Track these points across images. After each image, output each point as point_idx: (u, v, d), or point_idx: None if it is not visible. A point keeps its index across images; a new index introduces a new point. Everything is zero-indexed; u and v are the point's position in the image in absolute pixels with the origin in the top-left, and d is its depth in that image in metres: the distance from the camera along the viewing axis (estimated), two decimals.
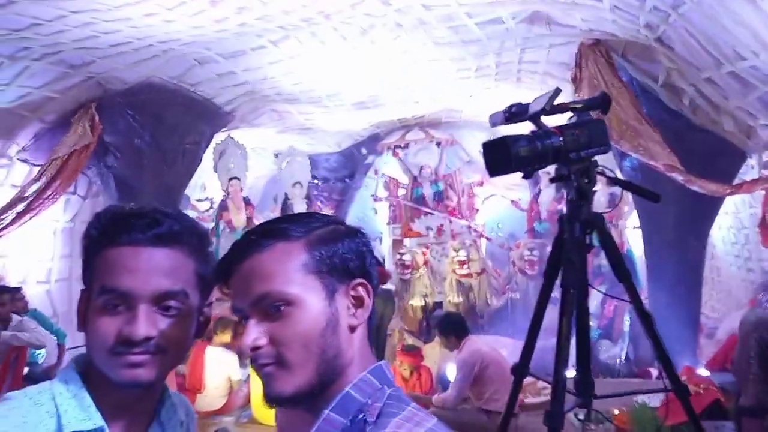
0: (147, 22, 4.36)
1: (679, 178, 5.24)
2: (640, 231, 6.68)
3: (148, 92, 5.75)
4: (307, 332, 0.81)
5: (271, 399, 0.83)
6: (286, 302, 0.81)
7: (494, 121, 1.76)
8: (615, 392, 1.94)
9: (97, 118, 5.72)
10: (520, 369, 1.92)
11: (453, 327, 4.29)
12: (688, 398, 1.78)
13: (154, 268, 0.92)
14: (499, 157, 1.61)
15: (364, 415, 0.80)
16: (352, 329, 0.86)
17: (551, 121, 1.68)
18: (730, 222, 6.67)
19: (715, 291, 7.34)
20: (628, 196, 6.58)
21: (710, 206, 5.63)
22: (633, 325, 5.83)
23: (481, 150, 1.64)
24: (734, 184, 5.35)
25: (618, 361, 5.64)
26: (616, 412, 3.97)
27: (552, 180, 1.73)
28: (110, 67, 5.24)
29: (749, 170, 5.65)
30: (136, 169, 6.27)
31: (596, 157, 1.68)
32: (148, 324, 0.90)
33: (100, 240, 0.94)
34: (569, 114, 1.75)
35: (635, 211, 6.59)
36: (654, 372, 5.49)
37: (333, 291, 0.84)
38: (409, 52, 5.74)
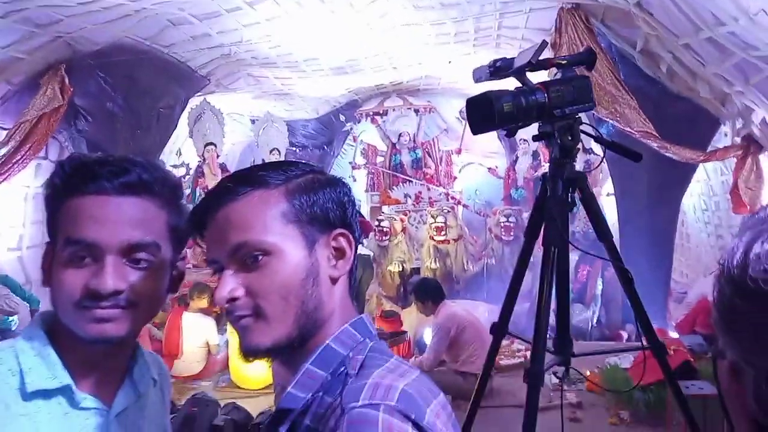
0: None
1: (653, 144, 5.31)
2: (613, 198, 6.80)
3: (120, 54, 5.57)
4: (286, 283, 0.78)
5: (247, 352, 0.80)
6: (264, 252, 0.78)
7: (478, 76, 1.73)
8: (593, 351, 1.98)
9: (66, 80, 5.53)
10: (500, 328, 1.94)
11: (429, 292, 4.33)
12: (665, 356, 1.82)
13: (122, 218, 0.87)
14: (483, 113, 1.58)
15: (345, 368, 0.78)
16: (333, 281, 0.83)
17: (535, 78, 1.67)
18: (701, 189, 6.81)
19: (684, 257, 7.53)
20: (602, 165, 6.66)
21: (683, 173, 5.74)
22: (605, 288, 5.96)
23: (464, 108, 1.62)
24: (708, 151, 5.45)
25: (590, 324, 5.79)
26: (588, 373, 4.08)
27: (535, 138, 1.72)
28: (79, 27, 5.06)
29: (722, 138, 5.75)
30: (108, 133, 6.12)
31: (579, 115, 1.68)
32: (116, 277, 0.86)
33: (64, 189, 0.89)
34: (553, 71, 1.75)
35: (609, 178, 6.69)
36: (624, 335, 5.66)
37: (313, 241, 0.81)
38: (387, 15, 5.65)
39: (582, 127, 1.69)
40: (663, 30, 4.80)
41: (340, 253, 0.84)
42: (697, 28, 4.36)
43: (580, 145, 1.68)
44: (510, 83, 1.66)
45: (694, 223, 7.30)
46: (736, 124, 5.36)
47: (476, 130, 1.64)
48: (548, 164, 1.73)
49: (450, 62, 7.14)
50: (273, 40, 6.03)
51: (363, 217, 3.04)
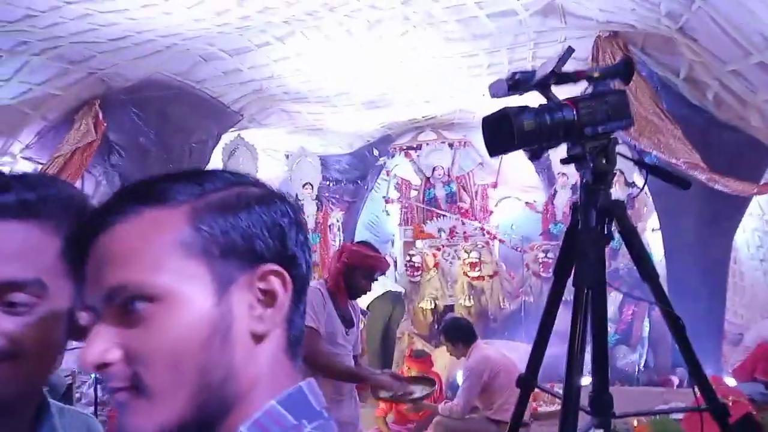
0: (145, 14, 4.23)
1: (701, 176, 5.00)
2: (659, 234, 6.44)
3: (152, 89, 5.64)
4: (179, 344, 0.55)
5: None
6: (149, 298, 0.55)
7: (495, 91, 1.54)
8: (639, 410, 1.70)
9: (100, 115, 5.62)
10: (527, 380, 1.70)
11: (460, 333, 4.08)
12: (727, 420, 1.55)
13: None
14: (501, 132, 1.40)
15: None
16: (258, 338, 0.59)
17: (563, 93, 1.48)
18: (754, 224, 6.39)
19: (738, 297, 7.04)
20: (646, 198, 6.34)
21: (735, 207, 5.38)
22: (652, 330, 5.57)
23: (481, 126, 1.44)
24: (761, 183, 5.10)
25: (637, 368, 5.39)
26: (636, 423, 3.73)
27: (564, 161, 1.50)
28: (111, 63, 5.14)
29: None
30: (141, 168, 6.16)
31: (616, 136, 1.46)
32: None
33: None
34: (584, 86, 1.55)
35: (654, 212, 6.35)
36: (675, 380, 5.24)
37: (228, 282, 0.58)
38: (418, 49, 5.57)
39: (619, 149, 1.48)
40: (708, 56, 4.55)
41: (269, 298, 0.59)
42: (746, 52, 4.10)
43: (621, 177, 1.48)
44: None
45: (748, 261, 6.84)
46: None
47: (493, 151, 1.45)
48: (579, 191, 1.51)
49: (484, 95, 6.97)
50: (303, 74, 6.01)
51: (378, 251, 2.86)
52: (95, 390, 4.64)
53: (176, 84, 5.76)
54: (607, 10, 4.61)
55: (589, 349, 1.49)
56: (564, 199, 7.86)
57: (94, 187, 6.55)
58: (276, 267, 0.60)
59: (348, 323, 2.72)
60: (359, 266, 2.69)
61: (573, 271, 1.51)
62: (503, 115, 1.39)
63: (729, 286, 6.02)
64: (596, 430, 1.47)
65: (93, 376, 4.21)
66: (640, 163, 1.54)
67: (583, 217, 1.48)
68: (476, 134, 8.84)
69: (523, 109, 1.39)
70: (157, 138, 6.07)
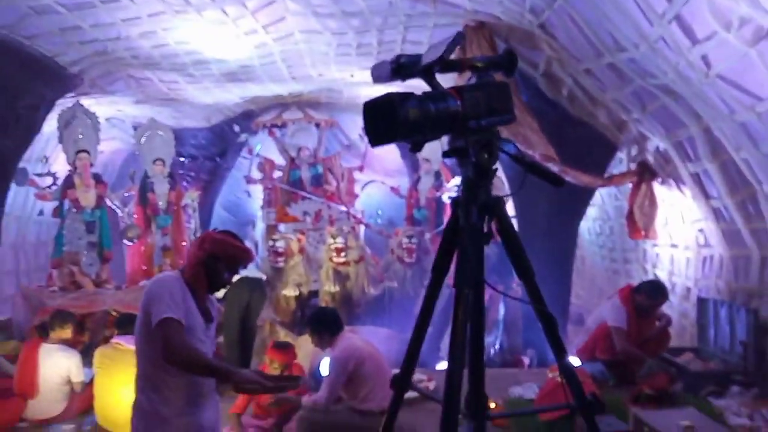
0: None
1: (554, 168, 5.28)
2: (514, 221, 6.78)
3: None
4: None
5: None
6: None
7: (378, 74, 1.40)
8: (512, 411, 1.66)
9: None
10: (401, 381, 1.59)
11: (326, 324, 3.92)
12: (594, 417, 1.56)
13: None
14: (384, 121, 1.26)
15: None
16: None
17: (445, 82, 1.37)
18: (595, 213, 6.96)
19: (580, 279, 7.68)
20: (503, 186, 6.63)
21: (582, 198, 5.78)
22: (507, 313, 5.85)
23: (362, 111, 1.28)
24: (606, 176, 5.51)
25: (492, 350, 5.63)
26: (493, 405, 3.85)
27: (446, 154, 1.40)
28: None
29: (617, 164, 5.86)
30: None
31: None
32: None
33: None
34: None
35: (510, 200, 6.67)
36: (526, 360, 5.55)
37: None
38: (286, 20, 5.27)
39: (501, 144, 1.39)
40: (565, 54, 4.78)
41: None
42: (598, 53, 4.34)
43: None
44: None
45: (589, 246, 7.46)
46: (631, 151, 5.46)
47: (376, 140, 1.29)
48: (460, 186, 1.41)
49: (352, 76, 6.86)
50: (156, 38, 5.44)
51: (242, 242, 2.60)
52: None
53: (0, 37, 4.93)
54: (476, 0, 4.65)
55: None
56: (427, 186, 8.01)
57: None
58: None
59: (207, 317, 2.45)
60: (222, 257, 2.42)
61: (454, 269, 1.41)
62: (387, 101, 1.24)
63: (572, 269, 6.51)
64: None
65: None
66: (518, 160, 1.46)
67: (464, 213, 1.40)
68: (344, 115, 8.74)
69: (408, 96, 1.26)
70: None
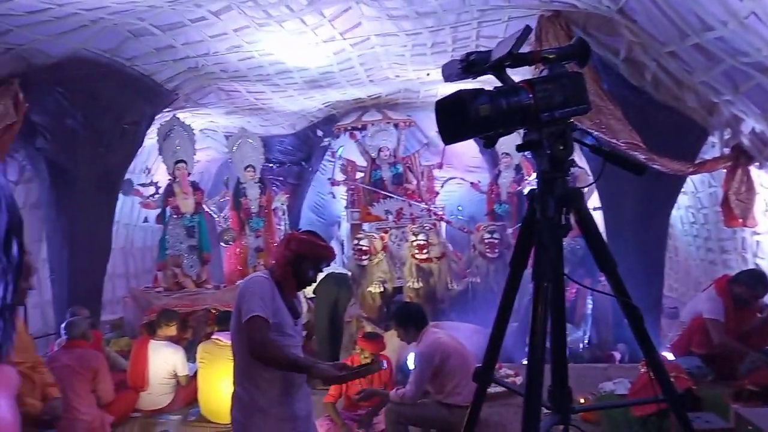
0: None
1: (640, 156, 5.10)
2: (600, 213, 6.58)
3: (78, 67, 5.26)
4: None
5: None
6: None
7: (448, 73, 1.44)
8: (598, 404, 1.66)
9: (21, 95, 5.20)
10: (484, 375, 1.63)
11: (411, 318, 4.02)
12: (686, 412, 1.53)
13: None
14: (455, 118, 1.30)
15: None
16: None
17: (517, 76, 1.40)
18: (688, 201, 6.62)
19: (673, 271, 7.33)
20: (587, 177, 6.45)
21: (672, 186, 5.54)
22: (595, 307, 5.70)
23: (435, 111, 1.34)
24: (696, 162, 5.26)
25: (581, 345, 5.51)
26: (582, 401, 3.80)
27: (520, 147, 1.42)
28: (31, 38, 4.74)
29: (710, 148, 5.57)
30: (69, 151, 5.79)
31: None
32: None
33: None
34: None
35: (595, 191, 6.47)
36: (617, 356, 5.39)
37: None
38: (362, 25, 5.41)
39: (577, 134, 1.41)
40: (647, 37, 4.60)
41: None
42: (683, 34, 4.16)
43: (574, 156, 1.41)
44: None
45: (682, 236, 7.11)
46: (724, 135, 5.17)
47: (448, 138, 1.34)
48: (536, 180, 1.44)
49: (428, 74, 6.92)
50: (242, 52, 5.76)
51: (324, 240, 2.74)
52: None
53: (104, 61, 5.40)
54: None
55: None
56: (508, 180, 7.94)
57: (18, 172, 6.14)
58: None
59: (296, 314, 2.61)
60: (307, 256, 2.57)
61: (532, 263, 1.44)
62: (458, 99, 1.28)
63: (664, 261, 6.24)
64: (556, 428, 1.42)
65: None
66: (596, 150, 1.47)
67: (541, 206, 1.40)
68: (421, 114, 8.81)
69: (479, 92, 1.29)
70: (86, 119, 5.69)
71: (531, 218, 1.46)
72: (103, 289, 6.36)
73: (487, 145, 1.42)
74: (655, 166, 5.10)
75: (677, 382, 3.14)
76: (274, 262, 2.67)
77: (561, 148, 1.38)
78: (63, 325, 4.58)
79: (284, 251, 2.59)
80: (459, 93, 1.28)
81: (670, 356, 4.30)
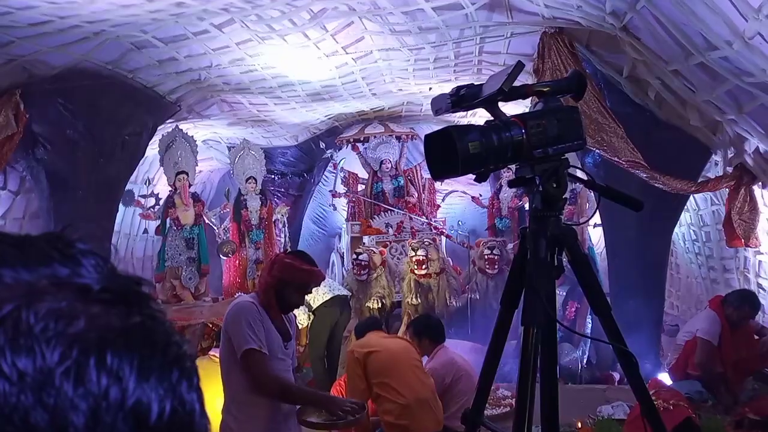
0: None
1: (642, 175, 5.07)
2: (600, 229, 6.53)
3: (80, 78, 5.26)
4: None
5: None
6: None
7: (438, 107, 1.39)
8: None
9: (22, 105, 5.21)
10: (474, 418, 1.56)
11: (430, 330, 3.98)
12: None
13: None
14: (444, 154, 1.25)
15: None
16: None
17: (510, 110, 1.36)
18: (690, 219, 6.57)
19: (674, 288, 7.26)
20: (588, 194, 6.42)
21: (674, 204, 5.49)
22: (594, 328, 5.64)
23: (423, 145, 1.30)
24: (699, 181, 5.22)
25: (579, 365, 5.44)
26: (579, 425, 3.75)
27: (511, 183, 1.38)
28: (33, 50, 4.75)
29: (712, 167, 5.53)
30: (69, 162, 5.78)
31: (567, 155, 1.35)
32: None
33: None
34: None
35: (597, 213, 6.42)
36: (616, 376, 5.33)
37: None
38: (364, 40, 5.41)
39: (571, 170, 1.37)
40: (651, 55, 4.58)
41: None
42: (687, 53, 4.13)
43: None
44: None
45: (683, 254, 7.05)
46: (727, 154, 5.13)
47: (437, 175, 1.31)
48: (528, 218, 1.39)
49: (431, 88, 6.91)
50: (244, 64, 5.75)
51: (313, 262, 2.66)
52: None
53: (106, 73, 5.40)
54: (553, 6, 4.57)
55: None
56: (509, 195, 7.89)
57: (18, 182, 6.13)
58: None
59: (285, 336, 2.56)
60: (290, 281, 2.48)
61: (522, 305, 1.38)
62: (446, 135, 1.24)
63: (666, 279, 6.18)
64: None
65: None
66: (592, 185, 1.43)
67: (533, 246, 1.35)
68: (423, 127, 8.79)
69: (468, 128, 1.25)
70: (87, 130, 5.69)
71: (522, 257, 1.41)
72: None
73: (479, 179, 1.38)
74: (657, 185, 5.06)
75: (676, 410, 3.08)
76: (258, 285, 2.63)
77: (554, 186, 1.33)
78: None
79: (267, 276, 2.53)
80: (448, 129, 1.24)
81: (668, 380, 4.24)
